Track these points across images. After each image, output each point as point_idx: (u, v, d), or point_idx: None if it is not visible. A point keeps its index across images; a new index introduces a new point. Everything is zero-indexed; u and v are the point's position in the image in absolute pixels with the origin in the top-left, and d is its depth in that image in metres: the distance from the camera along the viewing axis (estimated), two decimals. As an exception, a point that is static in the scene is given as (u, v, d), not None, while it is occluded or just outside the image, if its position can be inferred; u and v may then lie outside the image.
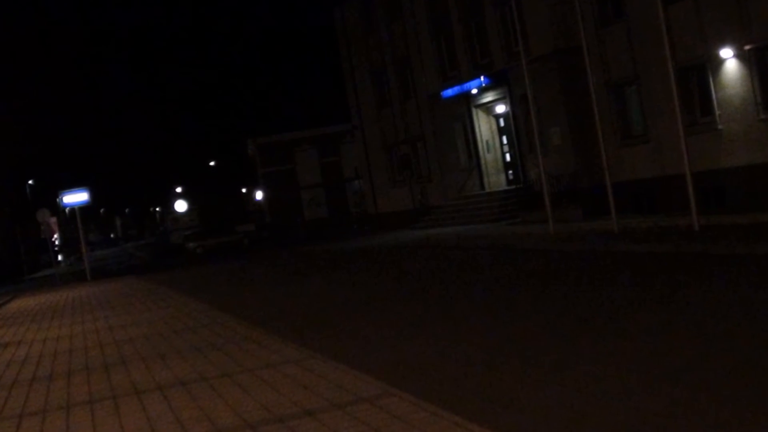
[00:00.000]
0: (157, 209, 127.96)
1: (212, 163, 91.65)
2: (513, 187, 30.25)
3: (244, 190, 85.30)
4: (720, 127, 21.12)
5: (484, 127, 32.09)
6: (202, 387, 7.60)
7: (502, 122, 31.55)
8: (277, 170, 65.34)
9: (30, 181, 66.83)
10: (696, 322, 8.40)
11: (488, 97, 31.08)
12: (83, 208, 37.45)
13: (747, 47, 19.96)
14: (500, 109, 31.06)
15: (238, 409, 6.50)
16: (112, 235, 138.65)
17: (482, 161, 32.10)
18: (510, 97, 29.60)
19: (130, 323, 14.06)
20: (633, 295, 10.87)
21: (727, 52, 20.41)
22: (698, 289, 10.69)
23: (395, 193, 39.53)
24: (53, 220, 43.28)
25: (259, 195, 72.14)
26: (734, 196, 20.72)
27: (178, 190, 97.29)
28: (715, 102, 21.20)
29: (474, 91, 30.73)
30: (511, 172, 31.23)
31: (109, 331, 13.22)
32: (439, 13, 33.52)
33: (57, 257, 58.10)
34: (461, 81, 31.52)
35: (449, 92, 32.06)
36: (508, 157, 31.47)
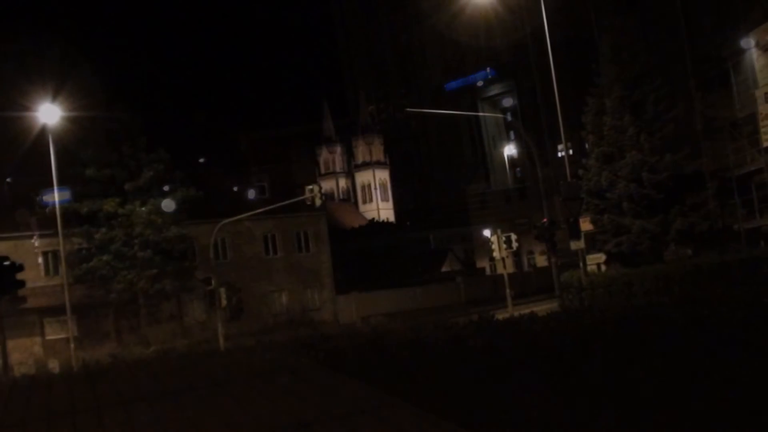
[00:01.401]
0: (144, 208, 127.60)
1: (201, 160, 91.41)
2: (521, 185, 30.30)
3: (235, 189, 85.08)
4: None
5: (490, 122, 32.13)
6: (193, 396, 7.61)
7: (509, 116, 31.59)
8: (271, 168, 65.19)
9: (8, 179, 66.42)
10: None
11: (494, 90, 31.13)
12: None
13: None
14: (507, 102, 31.11)
15: (229, 420, 6.50)
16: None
17: (488, 157, 32.13)
18: (517, 91, 29.66)
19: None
20: (644, 300, 10.88)
21: (747, 43, 20.42)
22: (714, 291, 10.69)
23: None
24: (33, 220, 43.05)
25: (251, 194, 71.99)
26: None
27: (166, 188, 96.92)
28: (735, 96, 21.21)
29: (479, 83, 30.78)
30: (518, 169, 31.29)
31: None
32: (443, 2, 33.58)
33: (37, 260, 57.87)
34: (466, 73, 31.57)
35: (453, 85, 32.10)
36: (515, 153, 31.52)
